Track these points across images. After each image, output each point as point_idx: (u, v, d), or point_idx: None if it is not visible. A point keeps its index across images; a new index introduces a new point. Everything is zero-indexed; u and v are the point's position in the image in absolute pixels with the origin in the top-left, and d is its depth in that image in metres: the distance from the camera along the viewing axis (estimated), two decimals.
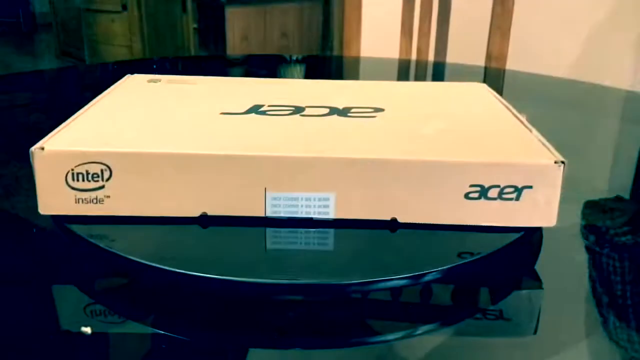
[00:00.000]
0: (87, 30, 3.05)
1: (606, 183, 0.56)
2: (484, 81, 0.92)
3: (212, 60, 1.31)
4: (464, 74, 0.98)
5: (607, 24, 1.62)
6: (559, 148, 0.39)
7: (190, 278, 0.33)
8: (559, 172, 0.37)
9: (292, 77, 0.89)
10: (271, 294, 0.34)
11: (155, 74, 0.54)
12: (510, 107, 0.47)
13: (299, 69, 0.95)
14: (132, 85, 0.50)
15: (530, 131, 0.42)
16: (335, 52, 1.83)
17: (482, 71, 1.02)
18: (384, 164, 0.37)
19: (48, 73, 1.02)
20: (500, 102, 0.49)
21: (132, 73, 0.54)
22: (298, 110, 0.45)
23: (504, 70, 1.07)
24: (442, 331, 0.34)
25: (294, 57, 0.98)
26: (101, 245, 0.36)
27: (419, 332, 0.33)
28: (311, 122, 0.43)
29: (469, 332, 0.33)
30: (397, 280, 0.34)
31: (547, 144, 0.39)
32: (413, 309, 0.35)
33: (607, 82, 0.88)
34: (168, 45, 2.72)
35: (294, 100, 0.47)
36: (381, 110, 0.45)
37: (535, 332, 0.33)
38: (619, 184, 0.56)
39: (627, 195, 0.52)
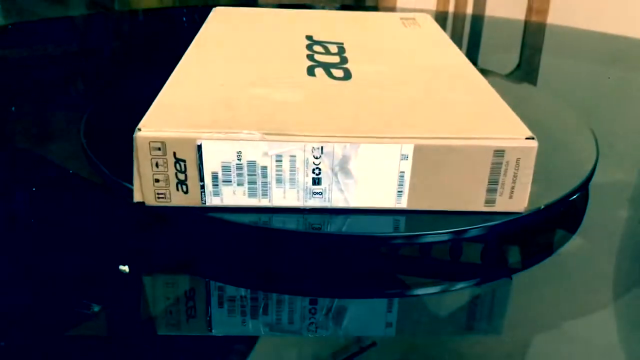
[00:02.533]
0: None
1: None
2: (523, 36, 0.95)
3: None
4: (503, 27, 0.98)
5: None
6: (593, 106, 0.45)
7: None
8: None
9: None
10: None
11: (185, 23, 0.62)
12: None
13: None
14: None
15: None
16: (372, 3, 1.79)
17: (522, 25, 1.02)
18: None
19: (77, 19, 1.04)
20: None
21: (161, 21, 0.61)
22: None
23: (545, 24, 1.06)
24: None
25: (326, 7, 1.00)
26: None
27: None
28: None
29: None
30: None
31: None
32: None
33: None
34: None
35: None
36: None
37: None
38: None
39: None
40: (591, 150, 0.50)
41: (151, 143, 0.38)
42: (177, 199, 0.40)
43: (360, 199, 0.41)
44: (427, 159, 0.39)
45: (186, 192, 0.40)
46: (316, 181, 0.40)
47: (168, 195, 0.40)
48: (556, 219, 0.45)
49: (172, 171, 0.39)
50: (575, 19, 1.10)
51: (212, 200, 0.40)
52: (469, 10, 1.22)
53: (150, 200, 0.40)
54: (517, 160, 0.40)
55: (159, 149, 0.38)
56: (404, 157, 0.39)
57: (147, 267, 0.38)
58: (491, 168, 0.40)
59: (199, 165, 0.39)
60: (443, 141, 0.39)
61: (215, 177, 0.39)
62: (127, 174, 0.40)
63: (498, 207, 0.41)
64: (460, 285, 0.38)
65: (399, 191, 0.41)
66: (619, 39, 0.90)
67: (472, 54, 0.84)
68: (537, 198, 0.42)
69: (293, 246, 0.41)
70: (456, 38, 0.91)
